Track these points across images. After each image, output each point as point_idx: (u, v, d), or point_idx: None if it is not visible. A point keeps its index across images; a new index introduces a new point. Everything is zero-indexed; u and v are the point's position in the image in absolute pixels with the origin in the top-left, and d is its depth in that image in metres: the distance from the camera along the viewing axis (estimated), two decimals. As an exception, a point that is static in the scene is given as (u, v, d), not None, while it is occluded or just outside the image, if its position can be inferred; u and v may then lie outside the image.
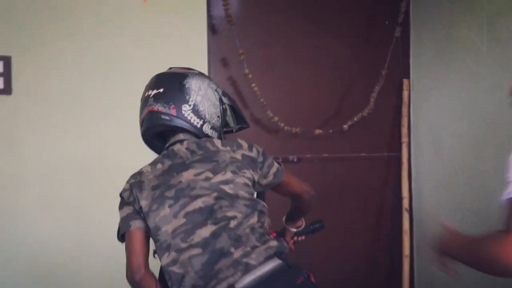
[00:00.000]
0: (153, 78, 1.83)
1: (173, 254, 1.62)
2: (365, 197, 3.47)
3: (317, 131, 3.23)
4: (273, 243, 1.65)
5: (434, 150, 3.32)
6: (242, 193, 1.69)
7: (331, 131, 3.26)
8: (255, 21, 3.24)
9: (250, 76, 3.08)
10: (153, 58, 2.90)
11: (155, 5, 2.96)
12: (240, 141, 1.80)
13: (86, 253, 2.84)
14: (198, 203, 1.66)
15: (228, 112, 1.90)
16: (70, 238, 2.82)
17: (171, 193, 1.67)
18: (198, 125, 1.77)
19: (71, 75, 2.83)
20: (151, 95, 1.78)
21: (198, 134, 1.78)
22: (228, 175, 1.70)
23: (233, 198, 1.67)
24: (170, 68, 1.90)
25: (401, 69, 3.41)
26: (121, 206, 1.73)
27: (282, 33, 3.29)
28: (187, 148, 1.75)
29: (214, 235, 1.62)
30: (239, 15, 3.18)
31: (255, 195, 1.83)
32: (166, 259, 1.62)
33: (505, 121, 2.79)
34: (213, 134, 1.82)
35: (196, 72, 1.85)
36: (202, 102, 1.78)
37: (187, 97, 1.76)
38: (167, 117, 1.75)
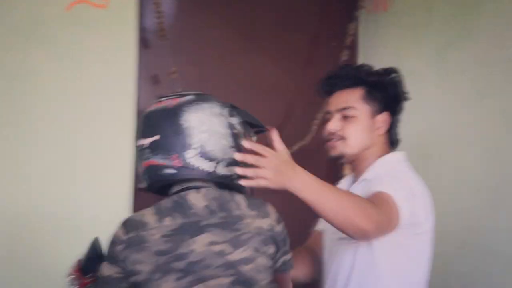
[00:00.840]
0: (142, 118, 1.51)
1: None
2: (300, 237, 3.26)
3: None
4: None
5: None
6: (261, 278, 1.45)
7: None
8: (190, 37, 3.07)
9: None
10: (75, 74, 2.66)
11: (78, 15, 2.70)
12: (270, 207, 1.52)
13: None
14: (210, 286, 1.41)
15: (242, 130, 1.56)
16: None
17: (180, 265, 1.40)
18: (211, 170, 1.45)
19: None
20: (145, 146, 1.47)
21: (212, 179, 1.47)
22: (249, 252, 1.44)
23: (252, 284, 1.44)
24: (159, 99, 1.53)
25: (345, 96, 3.21)
26: (108, 259, 1.45)
27: (218, 51, 3.12)
28: (207, 206, 1.45)
29: None
30: (173, 29, 2.99)
31: None
32: None
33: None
34: (231, 171, 1.47)
35: (191, 98, 1.49)
36: (209, 139, 1.45)
37: (189, 139, 1.44)
38: (171, 171, 1.45)
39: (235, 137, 1.51)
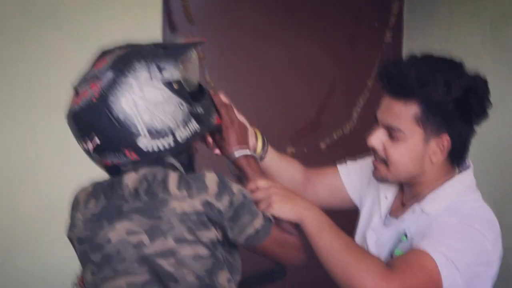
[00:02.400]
0: (70, 120, 1.34)
1: None
2: (345, 224, 3.11)
3: (290, 149, 3.00)
4: None
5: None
6: (186, 273, 1.29)
7: (305, 149, 3.04)
8: (219, 20, 3.02)
9: (212, 84, 2.82)
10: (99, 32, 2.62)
11: (101, -1, 2.69)
12: (209, 177, 1.33)
13: None
14: (121, 284, 1.31)
15: (179, 74, 1.37)
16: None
17: (96, 257, 1.33)
18: (172, 144, 1.32)
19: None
20: (89, 151, 1.33)
21: (179, 151, 1.35)
22: (170, 243, 1.28)
23: (171, 281, 1.29)
24: (76, 89, 1.36)
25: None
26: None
27: (250, 35, 3.05)
28: (135, 188, 1.33)
29: None
30: (201, 12, 2.93)
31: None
32: None
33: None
34: (192, 126, 1.36)
35: (111, 78, 1.29)
36: (153, 116, 1.30)
37: (133, 128, 1.29)
38: (132, 165, 1.33)
39: (179, 91, 1.34)
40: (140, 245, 1.30)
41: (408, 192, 1.60)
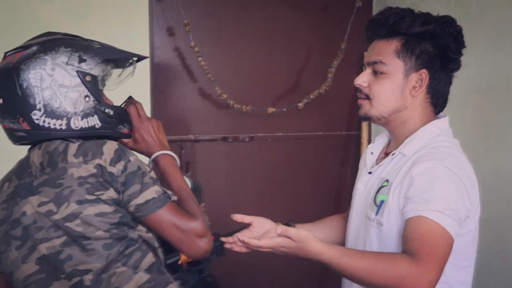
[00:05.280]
0: None
1: None
2: (322, 179, 3.30)
3: (270, 110, 3.02)
4: None
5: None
6: (94, 230, 1.32)
7: (285, 109, 3.05)
8: None
9: (196, 49, 2.85)
10: (86, 28, 2.58)
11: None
12: (108, 144, 1.37)
13: None
14: (42, 249, 1.34)
15: (101, 73, 1.44)
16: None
17: (17, 232, 1.36)
18: (64, 127, 1.37)
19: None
20: None
21: (70, 136, 1.39)
22: (73, 206, 1.32)
23: (84, 240, 1.33)
24: (5, 53, 1.43)
25: (362, 42, 3.13)
26: None
27: (232, 3, 3.05)
28: (41, 163, 1.38)
29: None
30: None
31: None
32: None
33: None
34: (91, 121, 1.40)
35: (33, 51, 1.37)
36: (54, 95, 1.36)
37: (32, 100, 1.34)
38: (22, 134, 1.38)
39: (90, 84, 1.40)
40: (49, 213, 1.33)
41: (392, 142, 1.67)
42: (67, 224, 1.32)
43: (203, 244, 1.41)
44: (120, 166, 1.35)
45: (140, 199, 1.35)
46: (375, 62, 1.56)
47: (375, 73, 1.57)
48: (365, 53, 1.65)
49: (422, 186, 1.43)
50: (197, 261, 1.60)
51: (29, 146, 1.46)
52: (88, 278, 1.33)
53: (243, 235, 1.61)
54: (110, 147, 1.36)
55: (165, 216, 1.37)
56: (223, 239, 1.64)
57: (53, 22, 2.60)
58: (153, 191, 1.36)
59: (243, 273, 3.03)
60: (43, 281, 1.35)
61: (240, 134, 3.10)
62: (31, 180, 1.38)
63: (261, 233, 1.71)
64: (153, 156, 1.53)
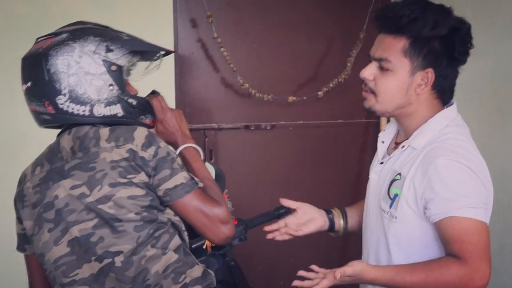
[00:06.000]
0: (21, 62, 1.46)
1: None
2: (342, 166, 3.35)
3: (291, 98, 3.07)
4: (195, 275, 1.43)
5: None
6: (126, 212, 1.36)
7: (305, 98, 3.10)
8: None
9: (219, 40, 2.91)
10: (112, 20, 2.62)
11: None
12: (139, 130, 1.41)
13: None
14: (75, 232, 1.38)
15: (126, 64, 1.47)
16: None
17: (50, 214, 1.40)
18: (87, 113, 1.41)
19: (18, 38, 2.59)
20: (24, 91, 1.45)
21: (93, 122, 1.43)
22: (106, 189, 1.36)
23: (115, 222, 1.37)
24: (37, 39, 1.47)
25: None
26: (16, 215, 1.50)
27: None
28: (71, 147, 1.42)
29: (102, 273, 1.39)
30: None
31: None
32: None
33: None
34: (114, 109, 1.44)
35: (62, 38, 1.42)
36: (79, 82, 1.39)
37: (58, 85, 1.38)
38: (47, 117, 1.42)
39: (115, 73, 1.43)
40: (82, 196, 1.37)
41: (401, 131, 1.67)
42: (99, 206, 1.36)
43: (226, 230, 1.44)
44: (151, 151, 1.39)
45: (170, 184, 1.39)
46: (381, 59, 1.56)
47: (381, 68, 1.56)
48: (374, 43, 1.63)
49: (442, 187, 1.46)
50: (221, 246, 1.63)
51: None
52: (119, 260, 1.37)
53: (289, 221, 1.71)
54: (141, 132, 1.40)
55: (192, 202, 1.41)
56: (266, 228, 1.71)
57: (81, 13, 2.61)
58: (182, 177, 1.40)
59: (261, 256, 3.12)
60: (74, 263, 1.39)
61: (261, 123, 3.16)
62: (62, 164, 1.41)
63: (305, 220, 1.80)
64: (179, 149, 1.56)
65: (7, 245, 2.36)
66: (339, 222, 1.86)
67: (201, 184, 1.44)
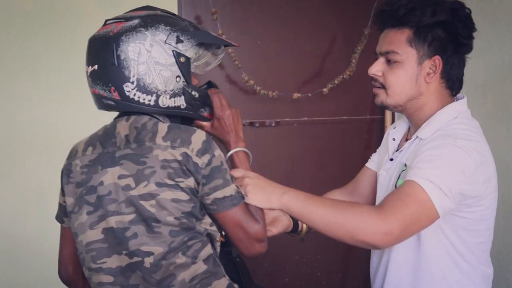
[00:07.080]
0: (88, 43, 1.43)
1: (86, 272, 1.44)
2: (347, 162, 3.34)
3: (296, 95, 3.08)
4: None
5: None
6: (166, 214, 1.34)
7: (310, 94, 3.11)
8: None
9: (224, 37, 2.85)
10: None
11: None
12: (197, 134, 1.38)
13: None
14: (111, 222, 1.37)
15: (193, 56, 1.44)
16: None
17: (91, 198, 1.39)
18: (152, 103, 1.38)
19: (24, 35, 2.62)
20: (88, 73, 1.41)
21: (156, 112, 1.41)
22: (151, 187, 1.34)
23: (153, 222, 1.35)
24: (106, 22, 1.44)
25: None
26: (61, 186, 1.49)
27: None
28: (126, 136, 1.40)
29: (129, 268, 1.38)
30: None
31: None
32: (85, 272, 1.46)
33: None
34: (178, 101, 1.41)
35: (134, 24, 1.38)
36: (148, 71, 1.36)
37: (127, 72, 1.35)
38: (111, 102, 1.39)
39: (183, 65, 1.41)
40: (127, 188, 1.35)
41: (412, 128, 1.67)
42: (141, 202, 1.34)
43: (260, 249, 1.44)
44: (205, 158, 1.36)
45: (220, 194, 1.37)
46: (387, 52, 1.57)
47: (389, 62, 1.57)
48: (379, 40, 1.65)
49: (424, 158, 1.45)
50: (227, 243, 1.61)
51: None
52: (148, 261, 1.35)
53: None
54: (198, 137, 1.37)
55: (236, 215, 1.39)
56: None
57: (84, 10, 2.71)
58: (232, 189, 1.39)
59: (266, 253, 3.09)
60: (105, 251, 1.39)
61: (266, 119, 3.17)
62: (114, 150, 1.39)
63: (269, 220, 1.76)
64: (231, 152, 1.55)
65: (7, 245, 2.48)
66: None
67: (247, 199, 1.44)
